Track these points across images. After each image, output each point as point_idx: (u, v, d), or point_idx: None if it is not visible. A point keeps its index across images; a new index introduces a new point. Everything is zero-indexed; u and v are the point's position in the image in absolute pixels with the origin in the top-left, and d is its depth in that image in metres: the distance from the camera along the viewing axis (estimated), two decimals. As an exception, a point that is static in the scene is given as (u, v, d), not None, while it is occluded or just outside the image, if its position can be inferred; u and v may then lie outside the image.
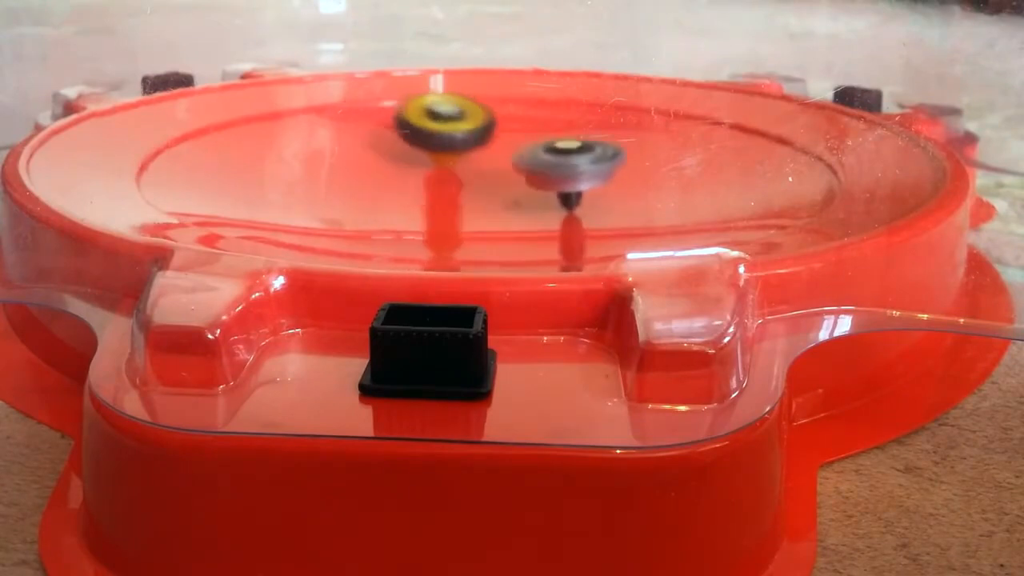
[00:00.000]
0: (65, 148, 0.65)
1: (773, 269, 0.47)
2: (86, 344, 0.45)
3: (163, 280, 0.45)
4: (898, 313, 0.49)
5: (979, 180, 0.78)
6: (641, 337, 0.41)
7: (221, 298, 0.43)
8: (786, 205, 0.63)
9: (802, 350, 0.45)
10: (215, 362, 0.41)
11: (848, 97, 0.74)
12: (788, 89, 0.81)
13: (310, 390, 0.41)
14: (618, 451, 0.37)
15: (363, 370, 0.40)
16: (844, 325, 0.48)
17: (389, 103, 0.82)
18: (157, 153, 0.67)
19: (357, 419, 0.39)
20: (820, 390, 0.50)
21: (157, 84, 0.79)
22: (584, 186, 0.65)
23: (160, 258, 0.47)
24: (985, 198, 0.79)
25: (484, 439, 0.38)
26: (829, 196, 0.61)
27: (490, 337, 0.40)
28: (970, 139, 0.78)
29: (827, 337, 0.47)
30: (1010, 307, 0.62)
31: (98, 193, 0.58)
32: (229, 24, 1.15)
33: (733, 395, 0.40)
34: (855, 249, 0.50)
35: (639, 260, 0.48)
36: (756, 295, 0.46)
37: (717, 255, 0.47)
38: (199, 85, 0.81)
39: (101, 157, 0.66)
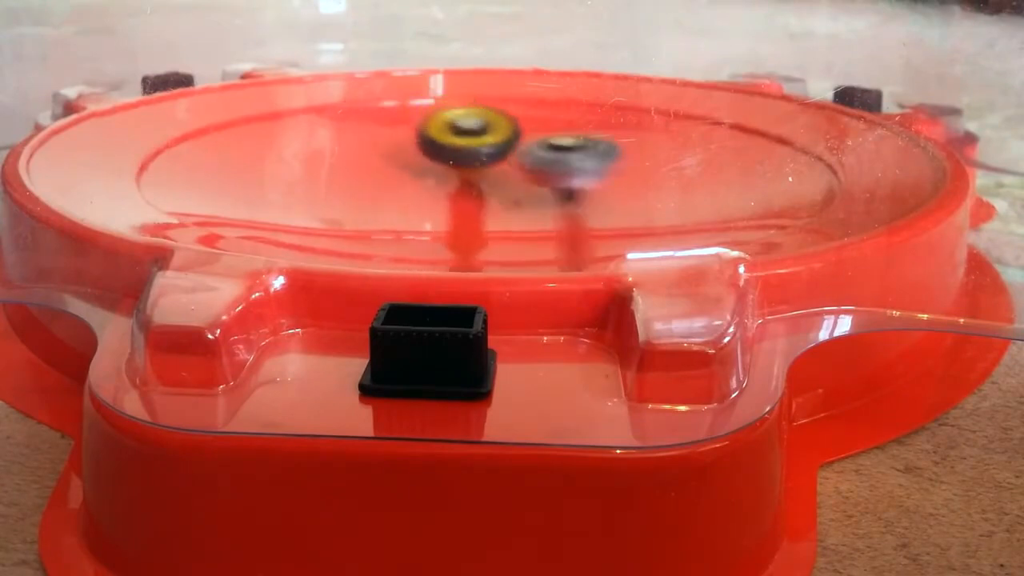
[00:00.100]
0: (65, 148, 0.65)
1: (773, 269, 0.47)
2: (86, 344, 0.45)
3: (163, 280, 0.45)
4: (898, 313, 0.49)
5: (979, 180, 0.78)
6: (641, 337, 0.41)
7: (221, 298, 0.43)
8: (786, 205, 0.63)
9: (802, 350, 0.45)
10: (215, 362, 0.41)
11: (848, 97, 0.74)
12: (788, 89, 0.81)
13: (310, 390, 0.41)
14: (618, 451, 0.37)
15: (363, 370, 0.40)
16: (844, 325, 0.48)
17: (390, 103, 0.83)
18: (157, 153, 0.67)
19: (357, 419, 0.39)
20: (820, 390, 0.50)
21: (157, 84, 0.79)
22: (581, 182, 0.65)
23: (160, 258, 0.47)
24: (985, 198, 0.79)
25: (484, 439, 0.38)
26: (829, 196, 0.61)
27: (490, 337, 0.40)
28: (970, 139, 0.78)
29: (827, 337, 0.47)
30: (1010, 307, 0.62)
31: (98, 193, 0.58)
32: (229, 24, 1.15)
33: (733, 395, 0.40)
34: (855, 249, 0.50)
35: (639, 260, 0.48)
36: (756, 295, 0.46)
37: (717, 255, 0.47)
38: (199, 85, 0.81)
39: (101, 157, 0.66)
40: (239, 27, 1.16)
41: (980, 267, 0.66)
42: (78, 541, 0.40)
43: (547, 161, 0.66)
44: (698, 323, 0.42)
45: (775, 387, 0.42)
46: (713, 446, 0.38)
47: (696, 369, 0.40)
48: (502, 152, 0.70)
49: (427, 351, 0.39)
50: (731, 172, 0.66)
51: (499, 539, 0.37)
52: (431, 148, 0.70)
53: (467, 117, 0.70)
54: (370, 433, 0.39)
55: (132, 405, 0.39)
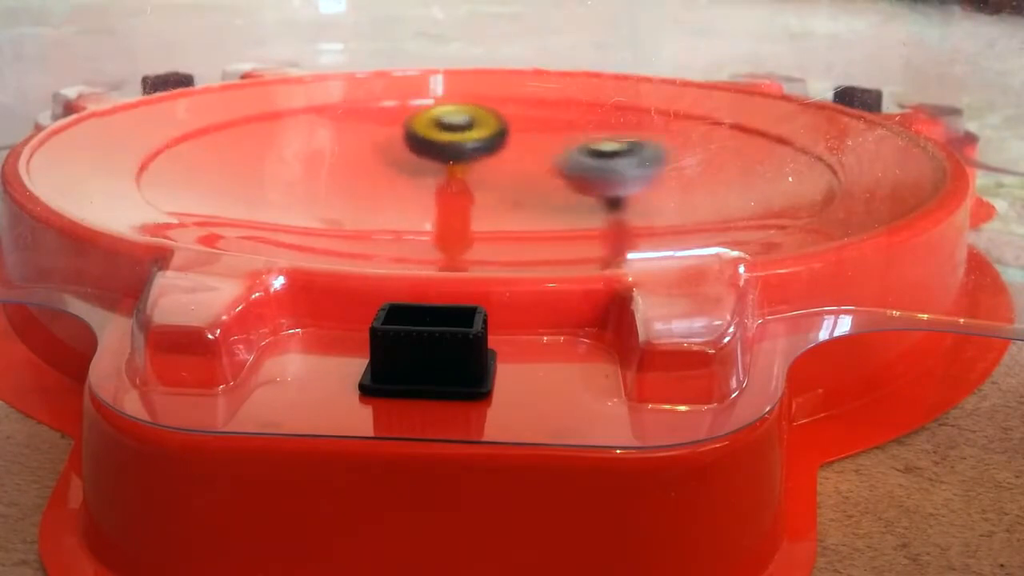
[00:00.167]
0: (65, 148, 0.65)
1: (773, 269, 0.47)
2: (86, 344, 0.45)
3: (163, 280, 0.45)
4: (898, 313, 0.49)
5: (979, 180, 0.78)
6: (641, 337, 0.41)
7: (221, 298, 0.43)
8: (786, 205, 0.63)
9: (802, 350, 0.45)
10: (215, 362, 0.41)
11: (848, 97, 0.74)
12: (788, 89, 0.81)
13: (310, 390, 0.41)
14: (618, 451, 0.37)
15: (363, 370, 0.40)
16: (844, 325, 0.48)
17: (389, 103, 0.82)
18: (157, 153, 0.67)
19: (357, 419, 0.39)
20: (820, 390, 0.50)
21: (157, 84, 0.79)
22: (628, 189, 0.64)
23: (160, 258, 0.47)
24: (985, 198, 0.79)
25: (484, 439, 0.38)
26: (829, 196, 0.61)
27: (490, 337, 0.40)
28: (970, 139, 0.78)
29: (827, 337, 0.47)
30: (1010, 307, 0.62)
31: (98, 193, 0.58)
32: (229, 24, 1.15)
33: (733, 395, 0.40)
34: (855, 249, 0.50)
35: (639, 260, 0.48)
36: (756, 295, 0.46)
37: (717, 255, 0.47)
38: (199, 85, 0.81)
39: (101, 157, 0.66)
40: (239, 27, 1.16)
41: (980, 267, 0.66)
42: (78, 541, 0.40)
43: (592, 168, 0.64)
44: (698, 323, 0.42)
45: (775, 387, 0.42)
46: (713, 446, 0.38)
47: (696, 369, 0.40)
48: (488, 147, 0.70)
49: (427, 351, 0.39)
50: (731, 172, 0.66)
51: (499, 539, 0.37)
52: (417, 144, 0.70)
53: (453, 113, 0.70)
54: (370, 433, 0.39)
55: (132, 405, 0.39)
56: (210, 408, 0.40)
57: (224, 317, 0.42)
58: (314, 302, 0.45)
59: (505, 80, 0.82)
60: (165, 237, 0.54)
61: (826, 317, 0.47)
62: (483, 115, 0.71)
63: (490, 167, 0.71)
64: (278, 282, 0.45)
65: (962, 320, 0.57)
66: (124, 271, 0.48)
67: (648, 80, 0.79)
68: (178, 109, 0.77)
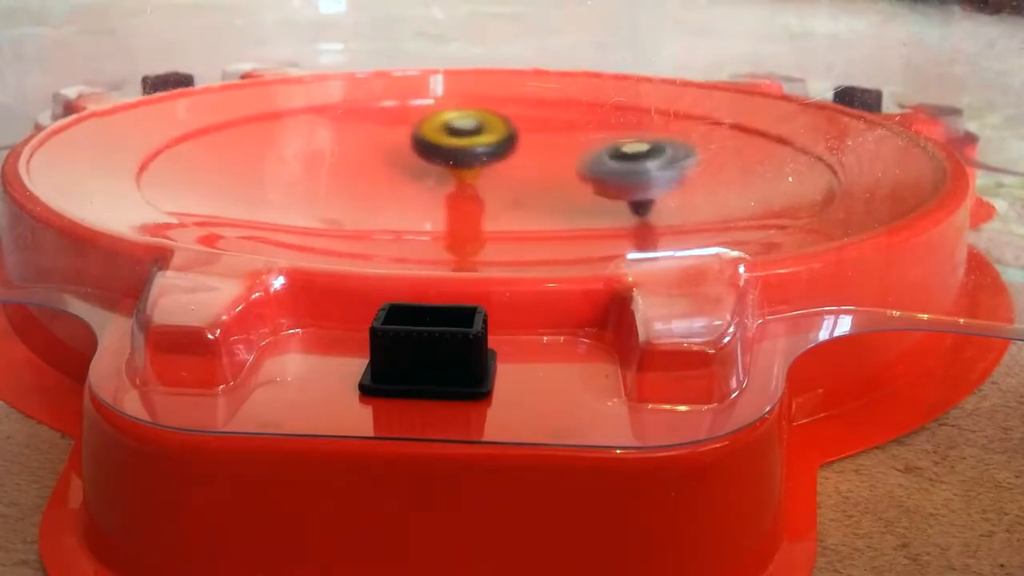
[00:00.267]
0: (65, 148, 0.65)
1: (773, 269, 0.47)
2: (86, 344, 0.45)
3: (163, 280, 0.45)
4: (898, 313, 0.49)
5: (979, 180, 0.78)
6: (641, 337, 0.41)
7: (221, 298, 0.43)
8: (786, 205, 0.63)
9: (802, 350, 0.45)
10: (215, 362, 0.41)
11: (848, 97, 0.74)
12: (788, 89, 0.81)
13: (310, 390, 0.41)
14: (618, 451, 0.37)
15: (363, 370, 0.40)
16: (844, 325, 0.48)
17: (389, 103, 0.82)
18: (157, 153, 0.67)
19: (357, 419, 0.39)
20: (820, 390, 0.50)
21: (157, 84, 0.79)
22: (658, 192, 0.63)
23: (160, 258, 0.47)
24: (985, 198, 0.79)
25: (484, 439, 0.38)
26: (829, 196, 0.61)
27: (490, 337, 0.40)
28: (970, 139, 0.78)
29: (827, 337, 0.47)
30: (1010, 307, 0.62)
31: (98, 193, 0.58)
32: (229, 24, 1.15)
33: (733, 395, 0.40)
34: (855, 249, 0.50)
35: (639, 260, 0.48)
36: (756, 295, 0.46)
37: (717, 255, 0.47)
38: (199, 85, 0.81)
39: (101, 157, 0.66)
40: (239, 27, 1.16)
41: (980, 267, 0.66)
42: (78, 541, 0.40)
43: (620, 172, 0.63)
44: (698, 323, 0.42)
45: (775, 387, 0.42)
46: (713, 446, 0.38)
47: (696, 369, 0.40)
48: (498, 151, 0.69)
49: (427, 351, 0.39)
50: (731, 172, 0.66)
51: (499, 539, 0.37)
52: (426, 149, 0.70)
53: (462, 118, 0.70)
54: (370, 433, 0.39)
55: (132, 405, 0.39)
56: (210, 408, 0.40)
57: (224, 317, 0.42)
58: (314, 302, 0.45)
59: (505, 80, 0.82)
60: (165, 237, 0.54)
61: (826, 317, 0.47)
62: (491, 120, 0.70)
63: (490, 167, 0.71)
64: (278, 282, 0.45)
65: (962, 320, 0.57)
66: (124, 271, 0.48)
67: (648, 80, 0.79)
68: (178, 109, 0.77)
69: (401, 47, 1.16)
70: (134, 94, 0.78)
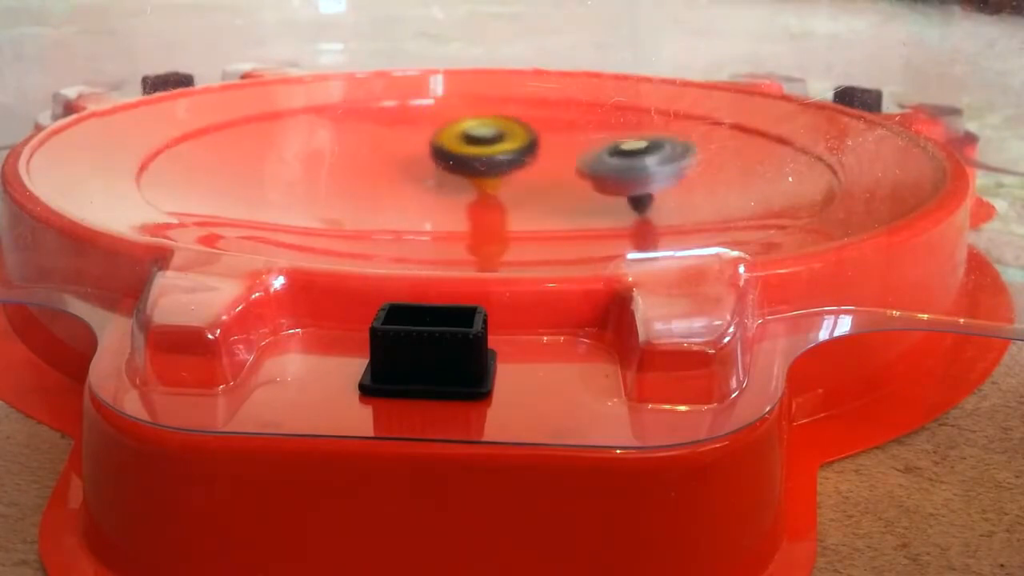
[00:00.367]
0: (65, 148, 0.65)
1: (773, 269, 0.47)
2: (86, 344, 0.45)
3: (163, 280, 0.45)
4: (898, 313, 0.49)
5: (979, 180, 0.78)
6: (641, 337, 0.41)
7: (221, 298, 0.43)
8: (786, 205, 0.63)
9: (802, 350, 0.45)
10: (215, 362, 0.41)
11: (848, 97, 0.74)
12: (788, 89, 0.81)
13: (310, 390, 0.41)
14: (618, 451, 0.37)
15: (363, 370, 0.40)
16: (844, 325, 0.48)
17: (389, 103, 0.82)
18: (157, 153, 0.67)
19: (357, 419, 0.39)
20: (820, 390, 0.50)
21: (157, 84, 0.79)
22: (658, 187, 0.64)
23: (160, 258, 0.47)
24: (985, 198, 0.79)
25: (484, 439, 0.38)
26: (829, 196, 0.61)
27: (490, 337, 0.40)
28: (970, 139, 0.78)
29: (827, 337, 0.47)
30: (1010, 307, 0.62)
31: (98, 193, 0.58)
32: (229, 24, 1.15)
33: (733, 395, 0.40)
34: (855, 249, 0.50)
35: (639, 260, 0.48)
36: (756, 295, 0.46)
37: (717, 255, 0.47)
38: (199, 85, 0.81)
39: (101, 157, 0.66)
40: (239, 27, 1.16)
41: (980, 267, 0.66)
42: (78, 541, 0.40)
43: (618, 168, 0.63)
44: (698, 323, 0.42)
45: (775, 387, 0.42)
46: (713, 446, 0.38)
47: (696, 369, 0.40)
48: (518, 159, 0.69)
49: (427, 351, 0.39)
50: (731, 172, 0.66)
51: (499, 539, 0.37)
52: (445, 158, 0.69)
53: (480, 127, 0.70)
54: (370, 433, 0.39)
55: (132, 405, 0.39)
56: (210, 408, 0.40)
57: (224, 317, 0.42)
58: (314, 302, 0.45)
59: (505, 80, 0.82)
60: (165, 237, 0.54)
61: (826, 317, 0.47)
62: (512, 127, 0.69)
63: (511, 174, 0.70)
64: (278, 282, 0.45)
65: (962, 320, 0.57)
66: (124, 271, 0.48)
67: (648, 80, 0.79)
68: (178, 109, 0.77)
69: (401, 47, 1.16)
70: (134, 94, 0.78)
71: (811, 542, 0.42)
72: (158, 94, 0.77)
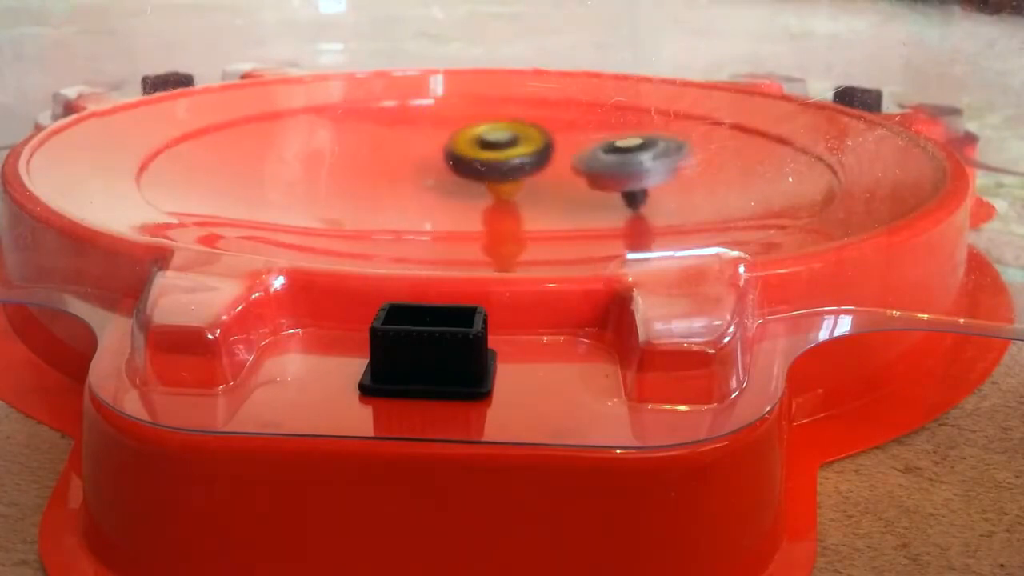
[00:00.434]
0: (65, 148, 0.65)
1: (773, 269, 0.47)
2: (86, 344, 0.45)
3: (163, 280, 0.45)
4: (898, 313, 0.49)
5: (979, 180, 0.78)
6: (641, 337, 0.41)
7: (221, 298, 0.43)
8: (786, 205, 0.63)
9: (802, 350, 0.45)
10: (215, 362, 0.41)
11: (848, 97, 0.74)
12: (788, 89, 0.81)
13: (310, 390, 0.41)
14: (618, 451, 0.37)
15: (363, 370, 0.40)
16: (844, 325, 0.48)
17: (389, 103, 0.82)
18: (157, 153, 0.67)
19: (357, 419, 0.39)
20: (820, 390, 0.50)
21: (157, 84, 0.79)
22: (651, 183, 0.64)
23: (160, 258, 0.47)
24: (985, 198, 0.79)
25: (484, 439, 0.38)
26: (829, 196, 0.61)
27: (490, 337, 0.40)
28: (970, 139, 0.78)
29: (827, 337, 0.47)
30: (1010, 307, 0.62)
31: (98, 193, 0.58)
32: (229, 24, 1.15)
33: (733, 395, 0.40)
34: (855, 249, 0.50)
35: (639, 260, 0.48)
36: (756, 295, 0.46)
37: (717, 255, 0.47)
38: (199, 85, 0.81)
39: (101, 157, 0.66)
40: (239, 27, 1.16)
41: (980, 267, 0.66)
42: (78, 541, 0.40)
43: (612, 164, 0.64)
44: (698, 323, 0.42)
45: (775, 387, 0.42)
46: (713, 446, 0.38)
47: (696, 369, 0.40)
48: (537, 162, 0.68)
49: (427, 351, 0.39)
50: (731, 172, 0.66)
51: (499, 539, 0.37)
52: (459, 164, 0.68)
53: (494, 131, 0.69)
54: (370, 433, 0.39)
55: (132, 405, 0.39)
56: (210, 408, 0.40)
57: (224, 317, 0.42)
58: (314, 302, 0.45)
59: (505, 80, 0.82)
60: (165, 237, 0.54)
61: (826, 317, 0.47)
62: (527, 130, 0.69)
63: (528, 177, 0.70)
64: (278, 282, 0.45)
65: (962, 320, 0.57)
66: (124, 271, 0.48)
67: (648, 80, 0.79)
68: (178, 109, 0.77)
69: (401, 47, 1.16)
70: (134, 94, 0.78)
71: (811, 542, 0.42)
72: (158, 94, 0.77)
